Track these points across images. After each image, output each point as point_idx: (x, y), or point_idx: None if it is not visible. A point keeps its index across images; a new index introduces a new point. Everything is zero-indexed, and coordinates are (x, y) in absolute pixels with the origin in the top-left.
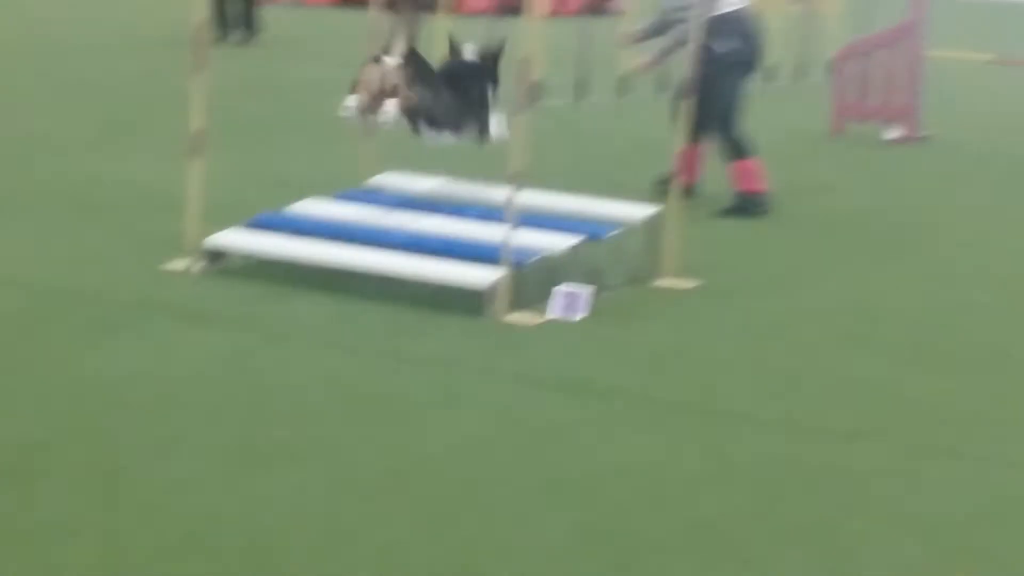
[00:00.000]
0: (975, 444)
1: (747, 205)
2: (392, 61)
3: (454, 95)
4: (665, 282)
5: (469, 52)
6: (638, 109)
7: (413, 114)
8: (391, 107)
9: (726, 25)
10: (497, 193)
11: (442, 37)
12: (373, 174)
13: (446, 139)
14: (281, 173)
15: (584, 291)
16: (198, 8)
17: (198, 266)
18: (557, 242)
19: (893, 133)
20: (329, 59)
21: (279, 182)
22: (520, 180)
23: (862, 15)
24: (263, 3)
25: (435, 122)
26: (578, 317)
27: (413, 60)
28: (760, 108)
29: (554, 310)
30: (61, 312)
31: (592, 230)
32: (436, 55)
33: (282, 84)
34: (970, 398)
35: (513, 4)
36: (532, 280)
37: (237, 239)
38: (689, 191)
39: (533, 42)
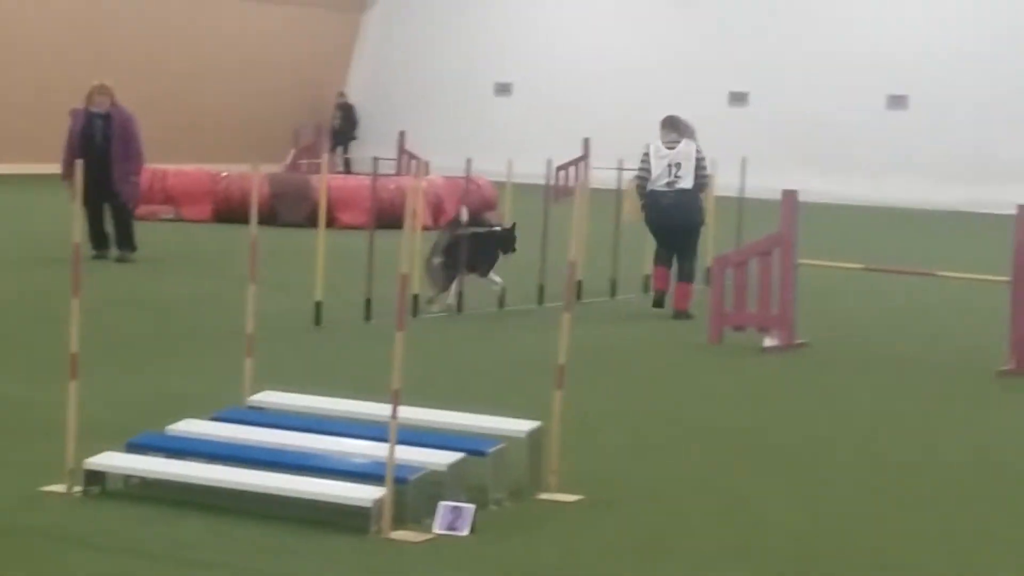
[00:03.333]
0: None
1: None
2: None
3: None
4: (548, 496)
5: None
6: (519, 319)
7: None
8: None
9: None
10: (378, 409)
11: (316, 250)
12: (253, 392)
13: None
14: (160, 391)
15: (468, 507)
16: (74, 226)
17: (77, 489)
18: (440, 458)
19: (770, 341)
20: (208, 275)
21: (159, 401)
22: (401, 395)
23: (741, 226)
24: (142, 219)
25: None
26: (465, 532)
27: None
28: (638, 318)
29: (440, 525)
30: None
31: (475, 445)
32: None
33: (161, 300)
34: None
35: (389, 218)
36: (416, 497)
37: (116, 460)
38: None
39: (411, 255)
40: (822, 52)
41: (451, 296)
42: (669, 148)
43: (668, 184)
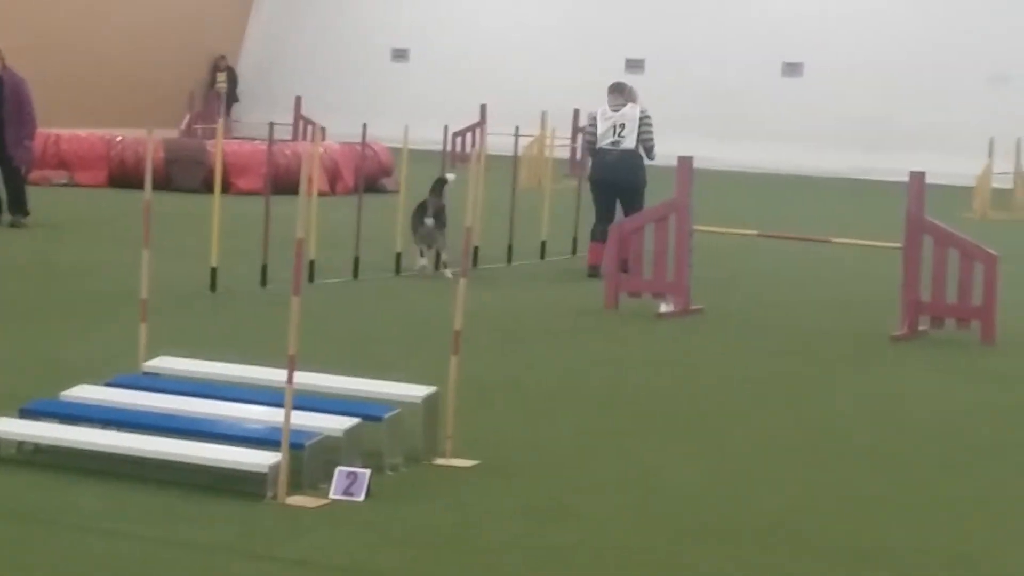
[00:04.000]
0: None
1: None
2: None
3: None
4: (444, 461)
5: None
6: (414, 286)
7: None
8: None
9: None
10: (274, 375)
11: (211, 215)
12: (148, 358)
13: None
14: (54, 358)
15: (364, 472)
16: None
17: None
18: (336, 423)
19: (666, 307)
20: (102, 240)
21: (52, 367)
22: (297, 361)
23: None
24: (35, 184)
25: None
26: (361, 497)
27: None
28: (535, 284)
29: (336, 490)
30: None
31: (371, 410)
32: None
33: (55, 266)
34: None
35: (285, 184)
36: (312, 462)
37: (9, 427)
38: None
39: (307, 221)
40: (718, 19)
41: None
42: (614, 111)
43: (612, 143)
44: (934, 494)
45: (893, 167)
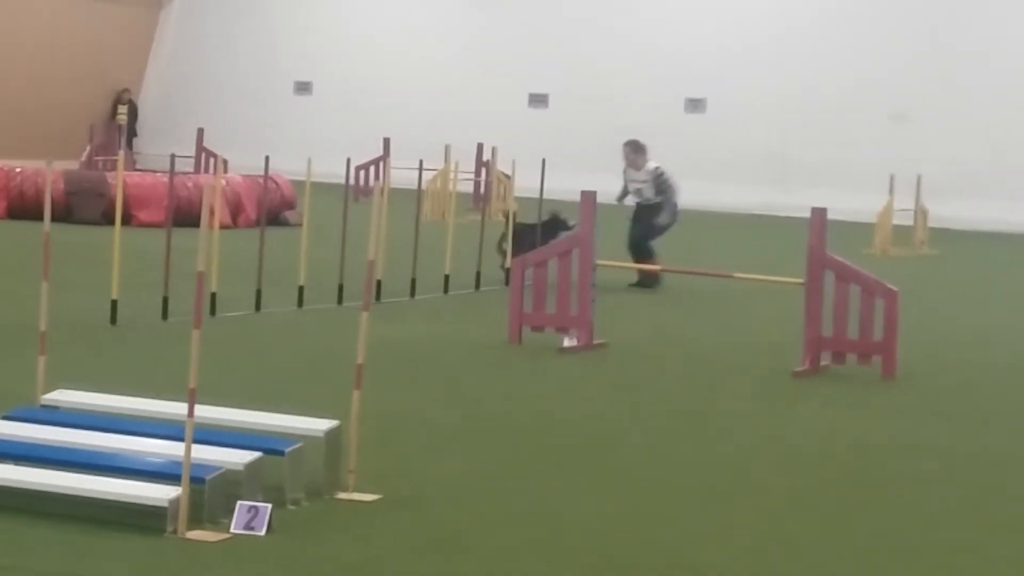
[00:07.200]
0: None
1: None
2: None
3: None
4: (346, 495)
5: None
6: (318, 318)
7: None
8: None
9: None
10: (175, 408)
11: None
12: (47, 391)
13: None
14: None
15: (265, 506)
16: None
17: None
18: (237, 457)
19: (569, 341)
20: (0, 273)
21: None
22: (198, 394)
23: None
24: None
25: None
26: (262, 532)
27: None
28: (438, 317)
29: (237, 525)
30: None
31: (272, 444)
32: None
33: None
34: None
35: (187, 217)
36: (213, 496)
37: None
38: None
39: (209, 254)
40: (621, 54)
41: None
42: (633, 168)
43: (633, 197)
44: (832, 530)
45: (795, 203)
